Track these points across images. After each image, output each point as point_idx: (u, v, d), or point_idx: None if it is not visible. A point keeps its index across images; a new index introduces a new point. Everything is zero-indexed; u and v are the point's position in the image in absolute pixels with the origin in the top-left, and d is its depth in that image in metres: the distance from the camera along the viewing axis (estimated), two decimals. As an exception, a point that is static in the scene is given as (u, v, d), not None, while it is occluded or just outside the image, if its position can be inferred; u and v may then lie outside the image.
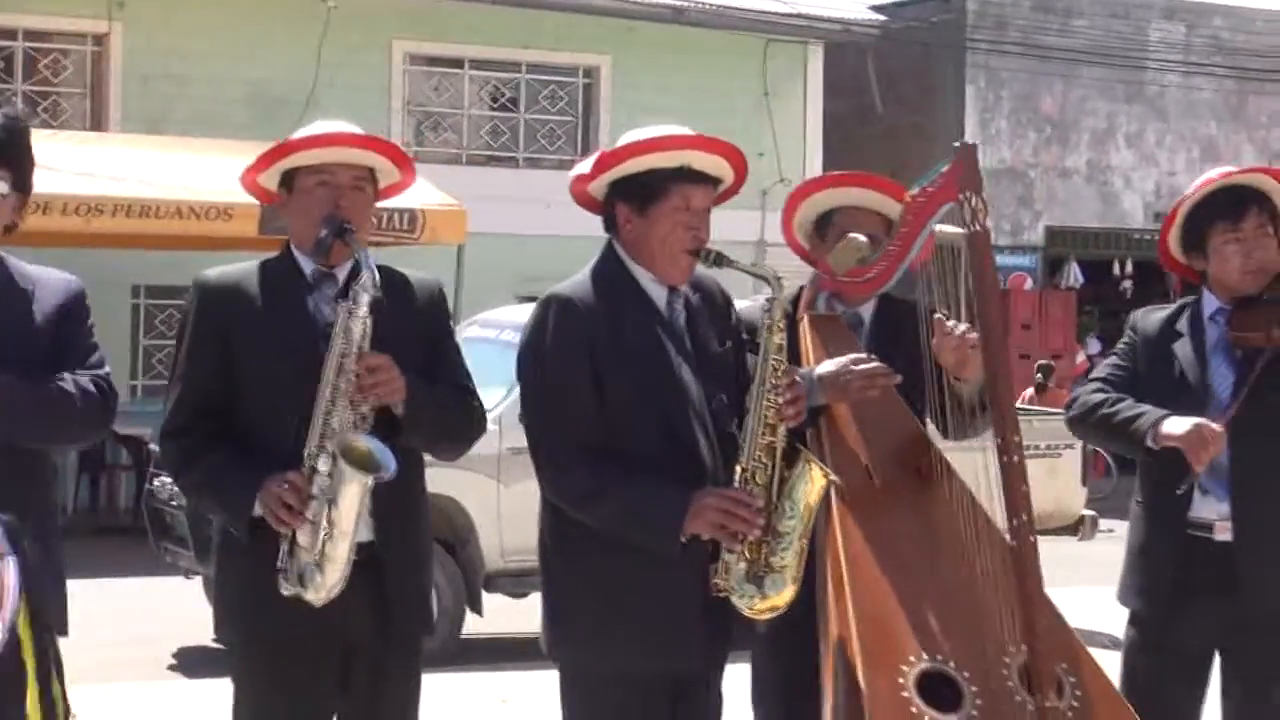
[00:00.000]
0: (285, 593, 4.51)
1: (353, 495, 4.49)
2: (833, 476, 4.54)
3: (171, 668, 10.92)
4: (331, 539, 4.49)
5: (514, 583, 11.39)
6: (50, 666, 2.59)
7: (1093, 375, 5.59)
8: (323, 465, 4.52)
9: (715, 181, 4.77)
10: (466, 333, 12.36)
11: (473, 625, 11.49)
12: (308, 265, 4.77)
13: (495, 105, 22.77)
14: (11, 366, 4.31)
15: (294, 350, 4.65)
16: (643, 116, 19.43)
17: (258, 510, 4.55)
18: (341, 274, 4.73)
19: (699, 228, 4.69)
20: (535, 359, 4.69)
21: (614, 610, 4.60)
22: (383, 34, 21.29)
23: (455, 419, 4.82)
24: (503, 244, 19.32)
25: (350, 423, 4.56)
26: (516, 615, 11.60)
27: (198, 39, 20.14)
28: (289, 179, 4.81)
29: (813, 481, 4.51)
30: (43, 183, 16.09)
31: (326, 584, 4.51)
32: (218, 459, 4.67)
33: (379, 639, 4.69)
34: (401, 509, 4.72)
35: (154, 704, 9.58)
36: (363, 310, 4.56)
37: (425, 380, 4.69)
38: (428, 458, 4.89)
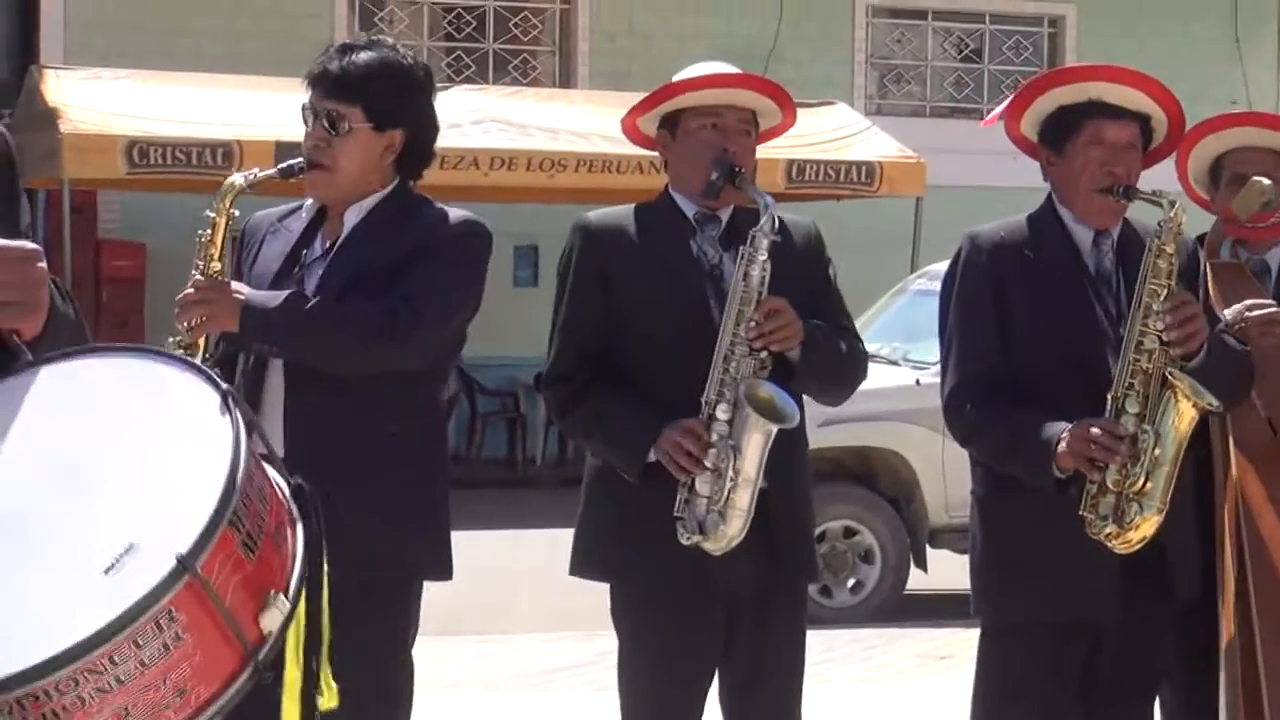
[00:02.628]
0: (685, 541, 4.46)
1: (757, 443, 4.44)
2: (1206, 400, 4.36)
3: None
4: (736, 487, 4.44)
5: (959, 538, 11.30)
6: (318, 637, 2.59)
7: None
8: (722, 413, 4.47)
9: (1138, 117, 4.63)
10: (915, 285, 12.28)
11: (917, 581, 11.47)
12: (689, 207, 4.71)
13: (959, 56, 22.55)
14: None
15: (678, 292, 4.62)
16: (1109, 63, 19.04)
17: (652, 455, 4.53)
18: (724, 215, 4.69)
19: (1114, 164, 4.57)
20: (944, 295, 4.75)
21: (1026, 560, 4.57)
22: (845, -13, 21.26)
23: (844, 363, 4.75)
24: (964, 196, 19.06)
25: (751, 370, 4.50)
26: (961, 571, 11.52)
27: (661, -5, 20.43)
28: (671, 122, 4.77)
29: (1180, 411, 4.35)
30: (509, 139, 16.63)
31: (729, 533, 4.45)
32: (607, 402, 4.64)
33: (764, 589, 4.63)
34: (788, 455, 4.64)
35: (593, 656, 9.75)
36: (762, 255, 4.50)
37: (814, 323, 4.62)
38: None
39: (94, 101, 15.24)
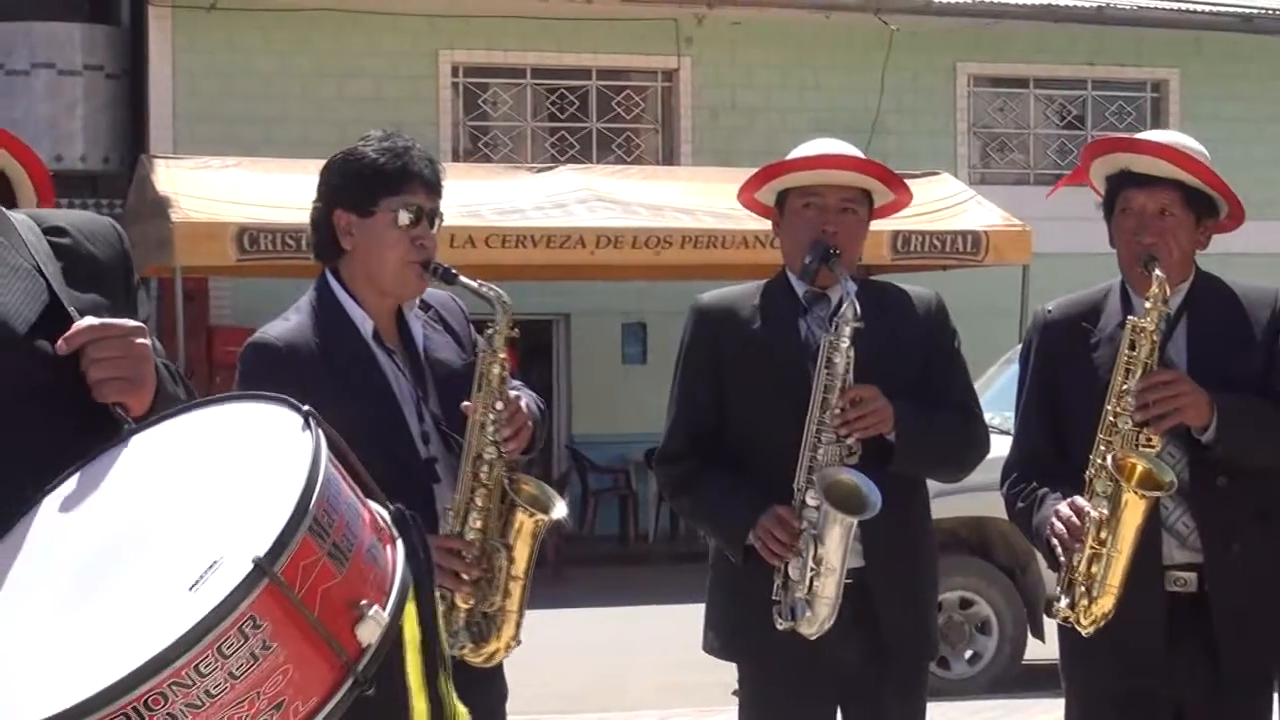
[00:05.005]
0: (779, 627, 4.51)
1: (837, 534, 4.47)
2: (1167, 480, 4.38)
3: (735, 693, 11.11)
4: (819, 576, 4.47)
5: (1077, 607, 11.20)
6: (437, 663, 2.57)
7: None
8: (810, 499, 4.50)
9: (1174, 184, 4.53)
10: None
11: (1035, 651, 11.36)
12: (800, 287, 4.74)
13: (1062, 124, 22.47)
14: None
15: (782, 374, 4.63)
16: (1213, 126, 18.94)
17: (750, 539, 4.56)
18: (835, 295, 4.68)
19: (1142, 232, 4.50)
20: (1020, 369, 4.78)
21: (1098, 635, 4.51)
22: (946, 57, 21.23)
23: (951, 443, 4.75)
24: (1070, 264, 18.96)
25: (836, 457, 4.52)
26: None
27: (763, 71, 20.48)
28: (782, 199, 4.81)
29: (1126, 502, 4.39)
30: (615, 217, 16.77)
31: (817, 619, 4.49)
32: (713, 485, 4.69)
33: (874, 668, 4.64)
34: (897, 536, 4.66)
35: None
36: (844, 342, 4.53)
37: (921, 404, 4.62)
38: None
39: (203, 190, 15.44)
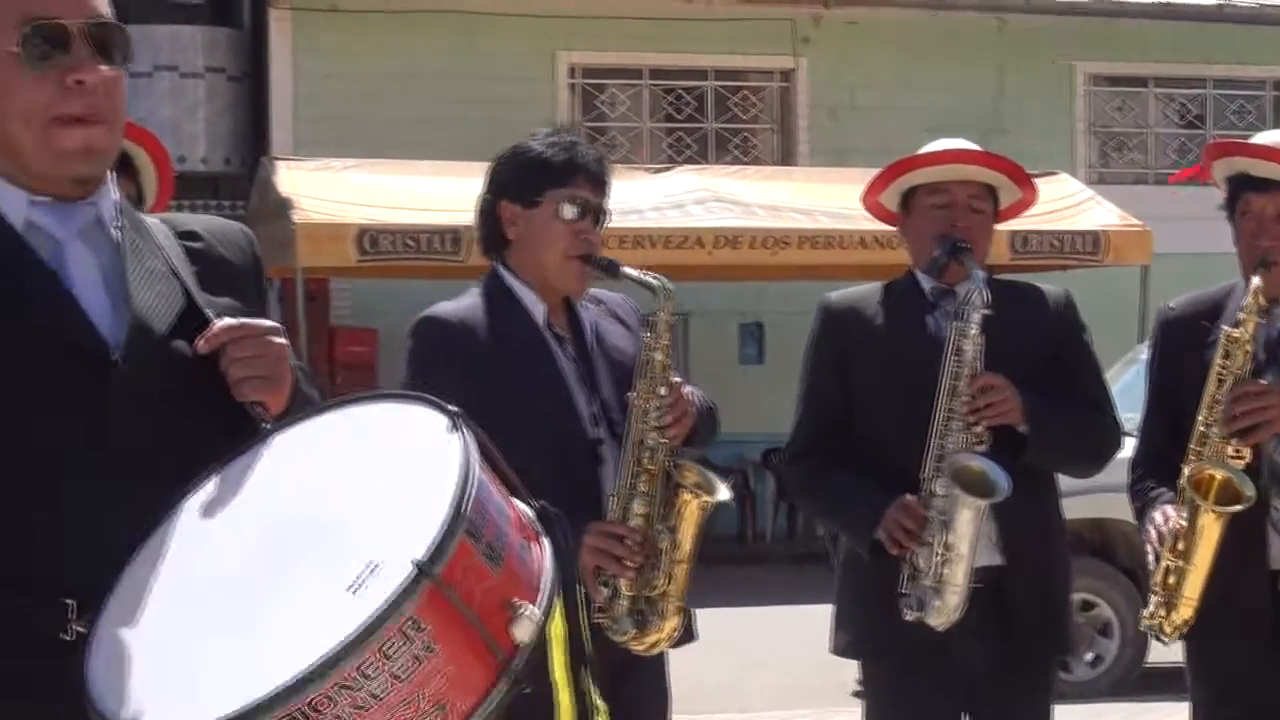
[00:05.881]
0: (907, 618, 4.50)
1: (967, 518, 4.45)
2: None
3: (856, 694, 11.11)
4: (948, 563, 4.46)
5: (1198, 610, 11.11)
6: (583, 659, 2.60)
7: None
8: (939, 488, 4.50)
9: None
10: (1145, 355, 12.09)
11: (1157, 654, 11.26)
12: (927, 283, 4.76)
13: (1181, 123, 22.26)
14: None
15: (909, 369, 4.64)
16: (1336, 127, 18.59)
17: (878, 533, 4.56)
18: (961, 291, 4.68)
19: (1260, 235, 4.51)
20: (1147, 366, 4.84)
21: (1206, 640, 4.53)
22: (1064, 56, 21.08)
23: (1083, 436, 4.74)
24: (1190, 264, 18.79)
25: (965, 444, 4.52)
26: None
27: (880, 71, 20.42)
28: (907, 199, 4.82)
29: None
30: (732, 218, 16.73)
31: (946, 609, 4.47)
32: (840, 481, 4.70)
33: (1005, 666, 4.63)
34: (1030, 530, 4.66)
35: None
36: (973, 329, 4.53)
37: (1051, 396, 4.62)
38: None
39: (324, 191, 15.58)
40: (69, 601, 2.59)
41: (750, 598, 13.87)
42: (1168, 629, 4.45)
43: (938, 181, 4.75)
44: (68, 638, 2.58)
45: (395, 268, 15.43)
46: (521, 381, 4.15)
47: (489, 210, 4.39)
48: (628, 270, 4.20)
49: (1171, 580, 4.41)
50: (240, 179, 19.22)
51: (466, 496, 2.37)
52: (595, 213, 4.33)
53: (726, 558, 17.81)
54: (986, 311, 4.53)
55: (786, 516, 19.40)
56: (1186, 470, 4.42)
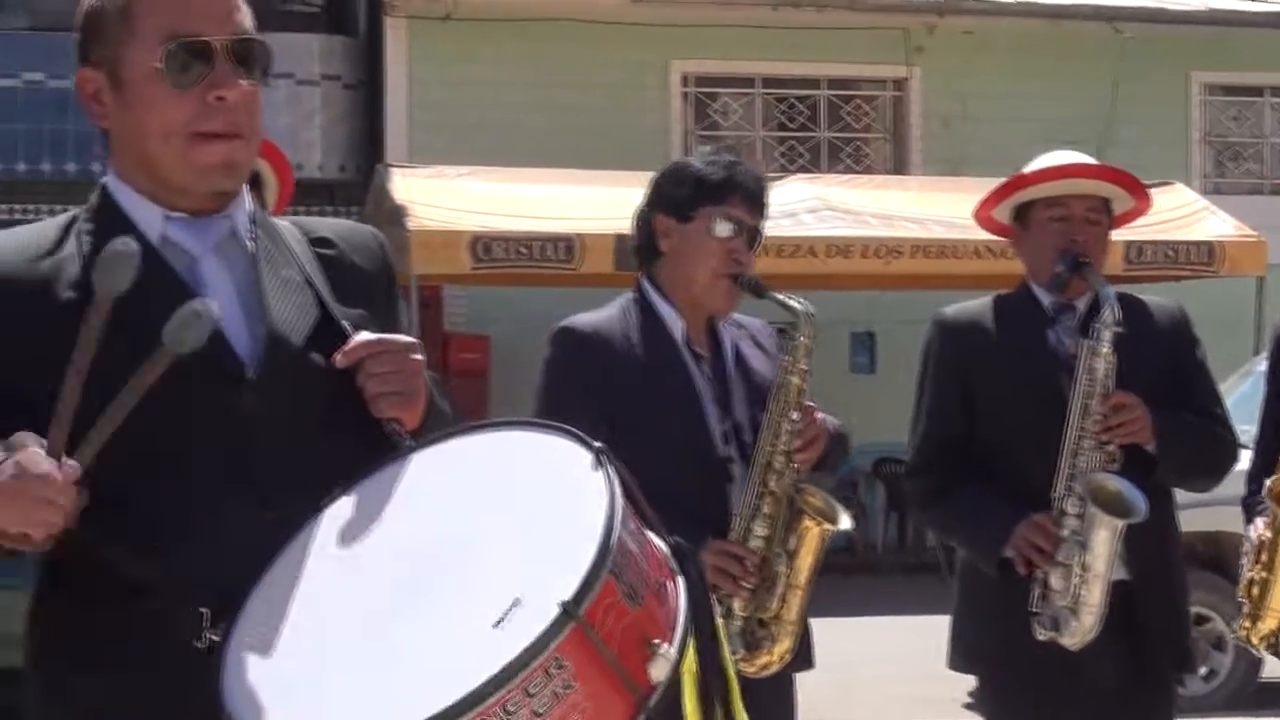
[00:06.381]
0: (1040, 637, 4.48)
1: (1104, 538, 4.43)
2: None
3: (967, 706, 11.09)
4: (1085, 583, 4.45)
5: (1317, 625, 11.00)
6: (713, 698, 2.61)
7: None
8: (1071, 507, 4.48)
9: None
10: (1260, 367, 11.98)
11: (1272, 668, 11.16)
12: (1045, 298, 4.74)
13: (1298, 132, 22.03)
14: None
15: (1035, 384, 4.64)
16: None
17: (1007, 551, 4.55)
18: (1081, 305, 4.69)
19: None
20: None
21: None
22: (1179, 65, 20.90)
23: (1206, 451, 4.73)
24: (1308, 275, 18.68)
25: (1098, 463, 4.50)
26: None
27: (993, 80, 20.31)
28: (1022, 213, 4.81)
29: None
30: (845, 227, 16.66)
31: (1082, 628, 4.46)
32: (965, 496, 4.68)
33: (1131, 682, 4.62)
34: (1153, 545, 4.64)
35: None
36: (1105, 348, 4.52)
37: (1174, 413, 4.61)
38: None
39: (438, 199, 15.67)
40: (204, 610, 2.63)
41: (860, 608, 13.85)
42: (1255, 639, 4.44)
43: (1055, 196, 4.74)
44: (201, 645, 2.61)
45: (508, 275, 15.50)
46: (655, 395, 4.18)
47: (645, 221, 4.43)
48: (773, 293, 4.23)
49: (1255, 591, 4.40)
50: (355, 186, 19.37)
51: (612, 536, 2.39)
52: (749, 233, 4.35)
53: (837, 567, 17.72)
54: (1118, 329, 4.53)
55: (897, 526, 19.33)
56: (1268, 482, 4.41)
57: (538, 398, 4.27)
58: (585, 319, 4.38)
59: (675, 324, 4.35)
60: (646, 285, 4.40)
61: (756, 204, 4.39)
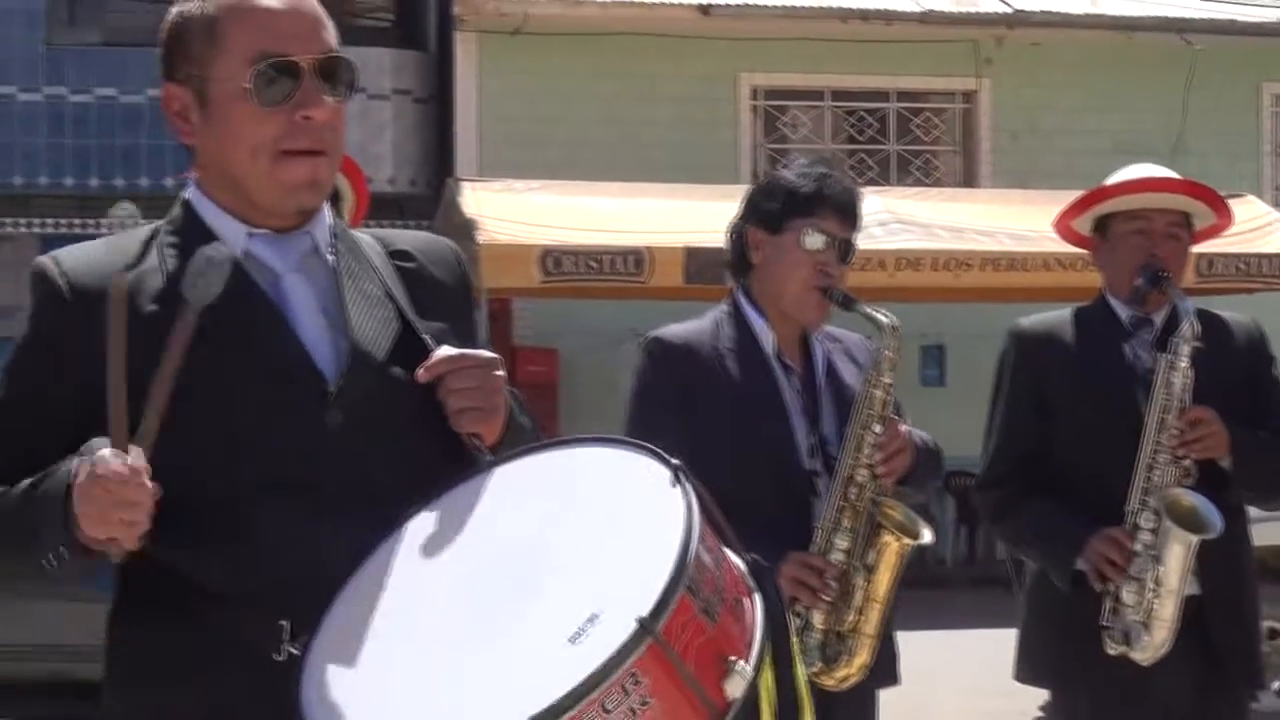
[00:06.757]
0: (1111, 651, 4.48)
1: (1178, 553, 4.42)
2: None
3: None
4: (1158, 597, 4.43)
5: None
6: (793, 713, 2.62)
7: None
8: (1145, 521, 4.47)
9: None
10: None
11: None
12: (1123, 311, 4.75)
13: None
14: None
15: (1111, 398, 4.63)
16: None
17: (1080, 564, 4.55)
18: (1158, 319, 4.68)
19: None
20: None
21: None
22: (1250, 77, 20.78)
23: (1278, 468, 4.70)
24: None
25: (1173, 478, 4.49)
26: None
27: (1063, 93, 20.25)
28: (1102, 225, 4.81)
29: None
30: (914, 239, 16.60)
31: (1154, 643, 4.45)
32: (1038, 509, 4.68)
33: (1202, 698, 4.61)
34: (1226, 559, 4.62)
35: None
36: (1183, 362, 4.51)
37: (1250, 428, 4.60)
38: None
39: (508, 212, 15.72)
40: (284, 622, 2.65)
41: (929, 620, 13.80)
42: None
43: (1136, 209, 4.74)
44: (280, 658, 2.63)
45: (577, 288, 15.54)
46: (742, 407, 4.19)
47: (738, 233, 4.45)
48: (861, 306, 4.23)
49: None
50: (425, 200, 19.47)
51: (689, 553, 2.39)
52: (840, 245, 4.36)
53: (905, 580, 17.75)
54: (1197, 344, 4.52)
55: (966, 540, 19.28)
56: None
57: (628, 406, 4.31)
58: (675, 330, 4.40)
59: (766, 336, 4.36)
60: (740, 297, 4.42)
61: (848, 216, 4.39)
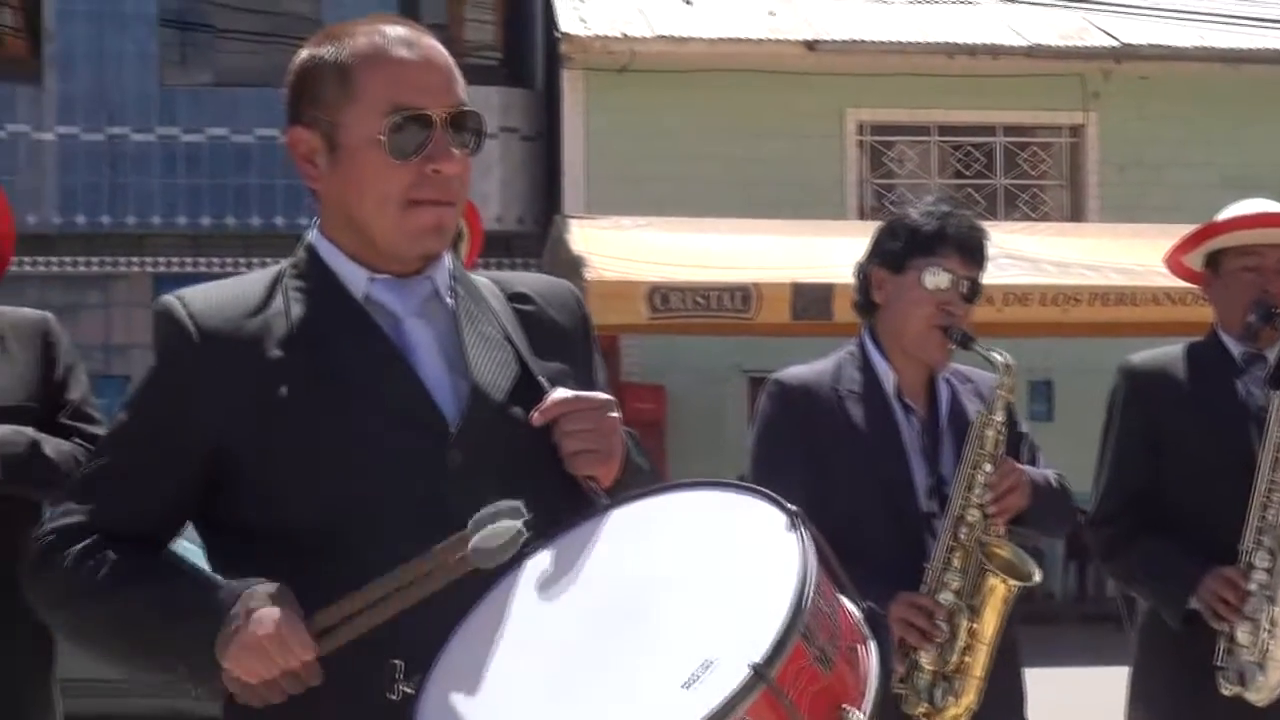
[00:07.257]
0: (1225, 692, 4.43)
1: None
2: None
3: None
4: (1274, 638, 4.38)
5: None
6: None
7: None
8: (1260, 560, 4.43)
9: None
10: None
11: None
12: (1235, 348, 4.71)
13: None
14: None
15: (1224, 435, 4.59)
16: None
17: (1193, 603, 4.51)
18: (1271, 355, 4.63)
19: None
20: None
21: None
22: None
23: None
24: None
25: None
26: None
27: (1170, 126, 20.13)
28: (1214, 260, 4.78)
29: None
30: (1022, 274, 16.49)
31: (1269, 684, 4.40)
32: (1151, 547, 4.64)
33: None
34: None
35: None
36: None
37: None
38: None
39: (616, 249, 15.78)
40: (397, 662, 2.63)
41: (1038, 658, 13.65)
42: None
43: (1248, 245, 4.70)
44: (394, 698, 2.62)
45: (685, 325, 15.58)
46: (860, 448, 4.19)
47: (864, 274, 4.46)
48: (978, 344, 4.24)
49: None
50: (533, 237, 19.59)
51: (805, 599, 2.38)
52: (964, 284, 4.37)
53: (1015, 617, 17.65)
54: None
55: (1076, 576, 19.14)
56: None
57: (751, 447, 4.34)
58: (795, 371, 4.42)
59: (887, 376, 4.36)
60: (865, 338, 4.43)
61: (972, 255, 4.40)
